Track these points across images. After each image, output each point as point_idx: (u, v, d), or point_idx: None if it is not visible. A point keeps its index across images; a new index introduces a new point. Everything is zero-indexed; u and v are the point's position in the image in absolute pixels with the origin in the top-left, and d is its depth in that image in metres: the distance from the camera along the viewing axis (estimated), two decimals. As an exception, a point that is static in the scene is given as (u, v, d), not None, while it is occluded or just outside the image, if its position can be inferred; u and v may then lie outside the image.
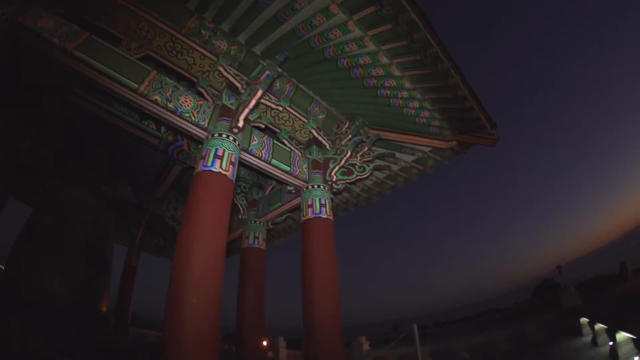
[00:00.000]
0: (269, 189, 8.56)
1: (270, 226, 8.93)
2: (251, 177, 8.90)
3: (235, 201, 8.60)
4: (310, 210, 6.61)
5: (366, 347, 12.54)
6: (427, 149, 7.54)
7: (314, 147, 7.15)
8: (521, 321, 11.54)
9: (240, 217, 8.80)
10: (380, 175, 8.60)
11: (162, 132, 7.22)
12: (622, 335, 6.23)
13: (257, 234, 8.46)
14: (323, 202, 6.72)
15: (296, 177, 6.76)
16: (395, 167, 8.28)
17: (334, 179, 6.94)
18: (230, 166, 5.22)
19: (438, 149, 7.32)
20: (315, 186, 6.83)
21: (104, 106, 6.60)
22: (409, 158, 7.93)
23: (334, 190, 7.19)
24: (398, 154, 7.87)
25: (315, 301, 5.92)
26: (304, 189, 6.89)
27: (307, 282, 6.11)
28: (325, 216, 6.55)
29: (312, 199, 6.71)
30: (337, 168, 6.91)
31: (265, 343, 13.71)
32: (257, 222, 8.59)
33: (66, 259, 8.87)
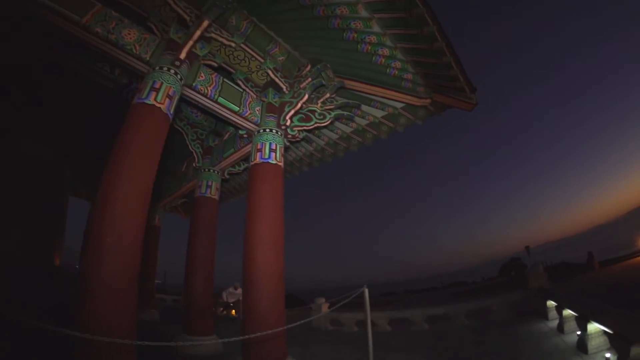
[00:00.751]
0: (226, 136, 8.50)
1: (226, 176, 8.93)
2: (209, 123, 8.92)
3: (190, 148, 8.76)
4: (258, 154, 6.46)
5: (325, 308, 12.38)
6: (398, 105, 7.36)
7: (270, 89, 6.89)
8: (486, 297, 10.84)
9: (194, 165, 8.81)
10: (346, 129, 8.51)
11: (117, 75, 7.19)
12: (594, 327, 5.41)
13: (210, 183, 8.46)
14: (273, 146, 6.54)
15: (246, 118, 6.58)
16: (363, 122, 8.15)
17: (288, 123, 6.76)
18: (167, 99, 5.00)
19: (410, 106, 7.14)
20: (268, 130, 6.65)
21: (60, 52, 6.60)
22: (379, 113, 7.78)
23: (289, 136, 7.01)
24: (366, 108, 7.69)
25: (256, 252, 5.81)
26: (256, 133, 6.72)
27: (249, 233, 5.97)
28: (274, 162, 6.40)
29: (262, 143, 6.55)
30: (292, 112, 6.71)
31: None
32: (212, 171, 8.57)
33: (17, 213, 9.25)
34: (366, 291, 6.55)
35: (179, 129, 8.76)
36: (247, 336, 4.76)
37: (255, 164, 6.43)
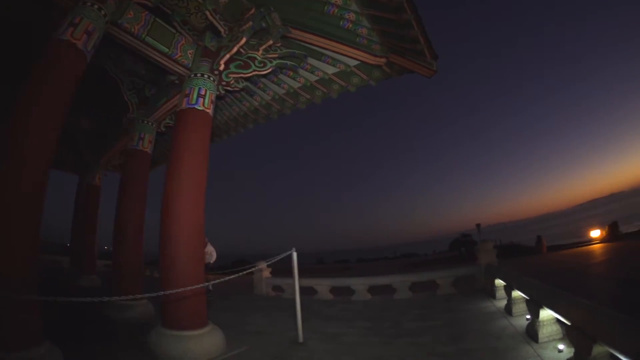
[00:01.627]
0: (164, 85, 8.00)
1: (162, 129, 8.58)
2: (147, 72, 8.35)
3: (125, 98, 8.26)
4: (185, 100, 6.10)
5: (266, 273, 12.24)
6: (351, 63, 7.10)
7: (208, 33, 6.56)
8: (435, 269, 10.46)
9: (129, 115, 8.40)
10: (294, 84, 8.17)
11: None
12: (546, 314, 4.84)
13: (142, 135, 8.07)
14: (202, 92, 6.13)
15: (176, 61, 6.20)
16: (312, 78, 7.82)
17: (222, 68, 6.38)
18: (84, 35, 4.59)
19: (364, 65, 6.91)
20: (199, 75, 6.24)
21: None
22: (329, 70, 7.46)
23: (224, 82, 6.59)
24: (316, 63, 7.40)
25: (175, 204, 5.55)
26: (186, 78, 6.35)
27: (169, 182, 5.71)
28: (201, 108, 6.04)
29: (191, 88, 6.16)
30: (227, 56, 6.29)
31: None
32: (146, 122, 8.19)
33: None
34: (294, 255, 6.31)
35: (115, 76, 8.24)
36: (161, 292, 4.45)
37: (181, 109, 6.08)
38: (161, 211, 5.61)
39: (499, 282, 7.79)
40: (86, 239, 12.70)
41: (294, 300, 10.74)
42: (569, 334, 3.92)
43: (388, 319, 7.57)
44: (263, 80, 8.33)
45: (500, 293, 7.79)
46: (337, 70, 7.35)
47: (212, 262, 10.25)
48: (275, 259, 6.77)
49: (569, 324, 3.92)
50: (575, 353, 3.82)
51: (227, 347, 5.55)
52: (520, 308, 6.43)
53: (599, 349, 3.32)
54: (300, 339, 5.96)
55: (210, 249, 10.15)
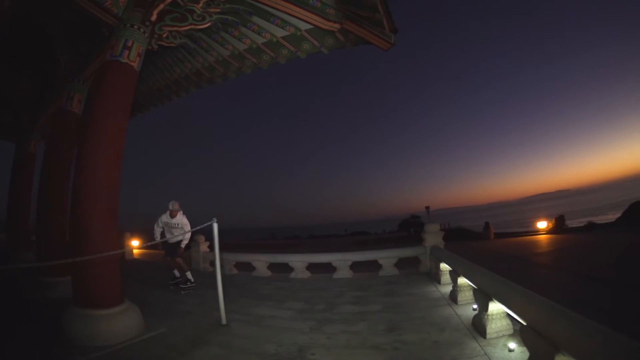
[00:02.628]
0: (98, 40, 7.35)
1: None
2: (83, 27, 7.56)
3: (57, 54, 7.78)
4: (110, 52, 5.61)
5: (204, 248, 11.56)
6: (302, 27, 6.81)
7: None
8: (382, 249, 9.74)
9: (59, 72, 7.93)
10: (240, 46, 7.79)
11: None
12: (497, 307, 4.29)
13: (72, 94, 7.60)
14: (129, 43, 5.63)
15: (104, 9, 5.53)
16: (259, 40, 7.47)
17: (154, 18, 5.87)
18: None
19: (317, 30, 6.64)
20: (129, 25, 5.70)
21: None
22: (278, 32, 7.15)
23: (156, 35, 6.14)
24: (263, 23, 7.05)
25: (88, 161, 5.16)
26: (115, 29, 5.78)
27: (85, 139, 5.33)
28: (124, 60, 5.52)
29: (118, 39, 5.64)
30: (162, 5, 5.84)
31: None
32: (76, 81, 7.66)
33: None
34: (215, 226, 5.69)
35: (49, 30, 7.63)
36: (70, 260, 4.26)
37: (104, 62, 5.63)
38: (74, 171, 5.36)
39: (444, 267, 7.32)
40: (19, 212, 11.65)
41: (231, 276, 10.23)
42: (523, 334, 3.29)
43: (323, 300, 6.98)
44: (206, 39, 7.75)
45: (446, 278, 7.32)
46: (287, 33, 7.03)
47: (184, 242, 7.90)
48: (195, 229, 6.40)
49: (524, 323, 3.32)
50: (529, 357, 3.21)
51: (145, 328, 5.19)
52: (466, 296, 5.91)
53: (562, 358, 2.70)
54: (224, 321, 5.52)
55: (183, 222, 7.71)
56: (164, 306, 6.78)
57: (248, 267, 10.59)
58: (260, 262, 10.32)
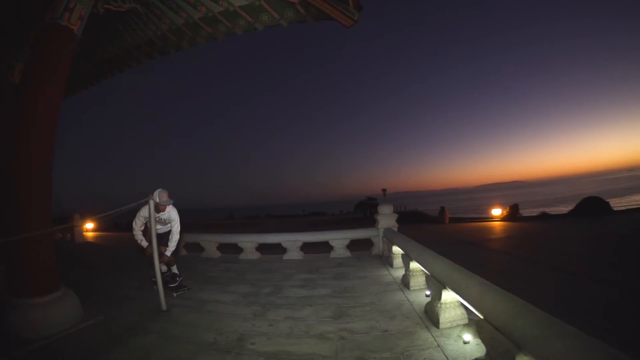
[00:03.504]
0: None
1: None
2: None
3: None
4: (49, 14, 5.05)
5: None
6: None
7: None
8: (329, 230, 9.36)
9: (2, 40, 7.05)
10: (195, 14, 7.30)
11: None
12: (451, 296, 4.00)
13: (13, 63, 6.96)
14: (72, 5, 5.10)
15: None
16: (215, 9, 7.06)
17: None
18: None
19: (277, 1, 6.43)
20: None
21: None
22: (236, 1, 6.80)
23: None
24: None
25: (21, 134, 4.70)
26: None
27: (19, 107, 4.84)
28: (64, 23, 5.03)
29: (60, 0, 5.06)
30: None
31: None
32: (19, 48, 6.97)
33: None
34: (151, 203, 5.40)
35: None
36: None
37: (42, 25, 5.12)
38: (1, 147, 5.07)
39: (397, 250, 7.05)
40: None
41: (183, 257, 9.71)
42: (480, 329, 2.98)
43: (270, 283, 6.64)
44: (159, 5, 7.20)
45: (398, 262, 7.07)
46: (245, 2, 6.60)
47: (173, 241, 6.12)
48: (125, 209, 5.59)
49: (480, 316, 3.01)
50: (486, 354, 2.90)
51: (83, 316, 4.85)
52: (419, 281, 5.67)
53: (523, 358, 2.39)
54: (164, 307, 5.21)
55: (172, 216, 6.20)
56: (105, 291, 6.31)
57: (198, 248, 10.15)
58: (209, 242, 9.87)
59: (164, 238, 6.16)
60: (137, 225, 6.01)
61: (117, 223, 25.12)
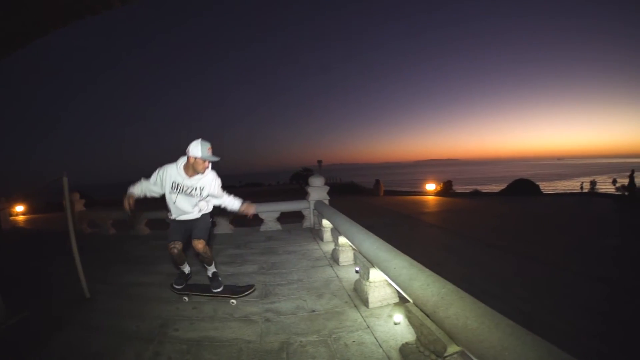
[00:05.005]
0: None
1: None
2: None
3: None
4: None
5: (80, 206, 10.49)
6: None
7: None
8: (258, 203, 8.89)
9: None
10: None
11: None
12: (379, 275, 3.87)
13: None
14: None
15: None
16: None
17: None
18: None
19: None
20: None
21: None
22: None
23: None
24: None
25: None
26: None
27: None
28: None
29: None
30: None
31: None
32: None
33: None
34: (65, 181, 4.68)
35: None
36: None
37: None
38: None
39: (327, 223, 6.86)
40: None
41: (108, 237, 9.01)
42: (409, 314, 2.79)
43: (196, 261, 6.18)
44: None
45: (328, 235, 6.92)
46: None
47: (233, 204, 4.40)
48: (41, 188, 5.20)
49: (410, 300, 2.82)
50: (417, 339, 2.72)
51: (8, 314, 4.18)
52: (349, 257, 5.51)
53: (455, 348, 2.22)
54: (87, 294, 4.74)
55: (209, 182, 4.07)
56: (33, 282, 5.67)
57: (126, 225, 9.48)
58: (136, 219, 9.19)
59: (197, 225, 4.28)
60: (136, 191, 3.96)
61: (50, 202, 22.98)
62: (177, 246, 4.17)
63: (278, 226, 8.68)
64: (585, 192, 24.66)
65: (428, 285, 2.57)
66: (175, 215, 4.20)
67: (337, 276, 5.04)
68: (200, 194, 4.03)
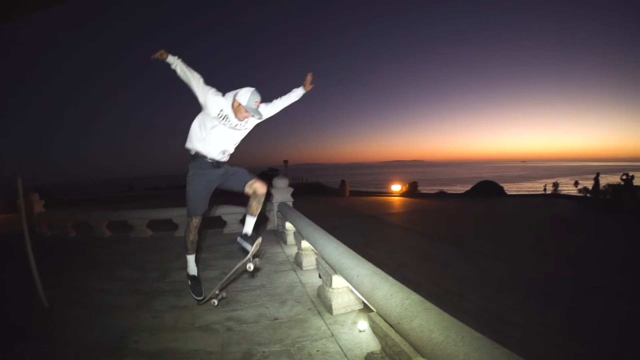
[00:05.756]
0: None
1: None
2: None
3: None
4: None
5: (39, 207, 9.71)
6: None
7: None
8: (220, 204, 8.67)
9: None
10: None
11: None
12: (341, 281, 3.76)
13: None
14: None
15: None
16: None
17: None
18: None
19: None
20: None
21: None
22: None
23: None
24: None
25: None
26: None
27: None
28: None
29: None
30: None
31: None
32: None
33: None
34: (19, 182, 4.39)
35: None
36: None
37: None
38: None
39: (290, 226, 6.77)
40: None
41: (67, 240, 8.56)
42: (373, 325, 2.70)
43: (158, 265, 6.03)
44: None
45: (291, 238, 6.82)
46: None
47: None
48: None
49: (373, 310, 2.73)
50: (382, 350, 2.63)
51: None
52: (312, 261, 5.41)
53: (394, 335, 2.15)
54: (45, 303, 4.38)
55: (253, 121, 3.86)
56: None
57: (88, 227, 9.00)
58: (98, 221, 8.77)
59: (211, 189, 4.01)
60: (177, 63, 3.42)
61: (12, 203, 21.45)
62: (199, 222, 3.95)
63: (241, 228, 8.42)
64: (548, 194, 25.68)
65: (392, 296, 2.48)
66: (207, 152, 3.70)
67: (301, 281, 4.94)
68: (245, 126, 3.76)
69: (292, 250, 6.48)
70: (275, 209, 8.32)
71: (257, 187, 3.82)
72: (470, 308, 5.97)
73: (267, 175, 46.43)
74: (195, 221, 3.92)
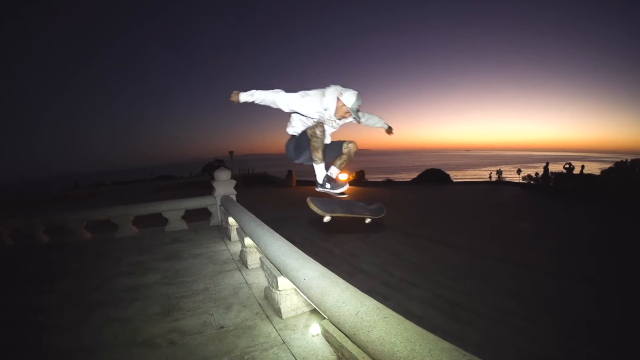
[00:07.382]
0: None
1: None
2: None
3: None
4: None
5: None
6: None
7: None
8: (161, 201, 8.31)
9: None
10: None
11: None
12: (288, 283, 3.49)
13: None
14: None
15: None
16: None
17: None
18: None
19: None
20: None
21: None
22: None
23: None
24: None
25: None
26: None
27: None
28: None
29: None
30: None
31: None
32: None
33: None
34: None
35: None
36: None
37: None
38: None
39: (233, 222, 6.46)
40: None
41: (5, 249, 7.58)
42: (326, 333, 2.45)
43: (97, 273, 5.49)
44: None
45: (235, 234, 6.50)
46: None
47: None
48: None
49: (324, 316, 2.47)
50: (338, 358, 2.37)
51: None
52: (257, 259, 5.13)
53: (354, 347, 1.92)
54: None
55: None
56: None
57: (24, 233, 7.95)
58: (33, 226, 7.77)
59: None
60: (251, 97, 3.50)
61: None
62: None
63: (184, 225, 8.08)
64: (493, 181, 26.51)
65: (344, 302, 2.23)
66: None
67: (246, 282, 4.65)
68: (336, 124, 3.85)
69: (236, 247, 6.17)
70: (218, 202, 7.96)
71: (349, 146, 4.10)
72: (426, 296, 5.92)
73: (213, 167, 45.55)
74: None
